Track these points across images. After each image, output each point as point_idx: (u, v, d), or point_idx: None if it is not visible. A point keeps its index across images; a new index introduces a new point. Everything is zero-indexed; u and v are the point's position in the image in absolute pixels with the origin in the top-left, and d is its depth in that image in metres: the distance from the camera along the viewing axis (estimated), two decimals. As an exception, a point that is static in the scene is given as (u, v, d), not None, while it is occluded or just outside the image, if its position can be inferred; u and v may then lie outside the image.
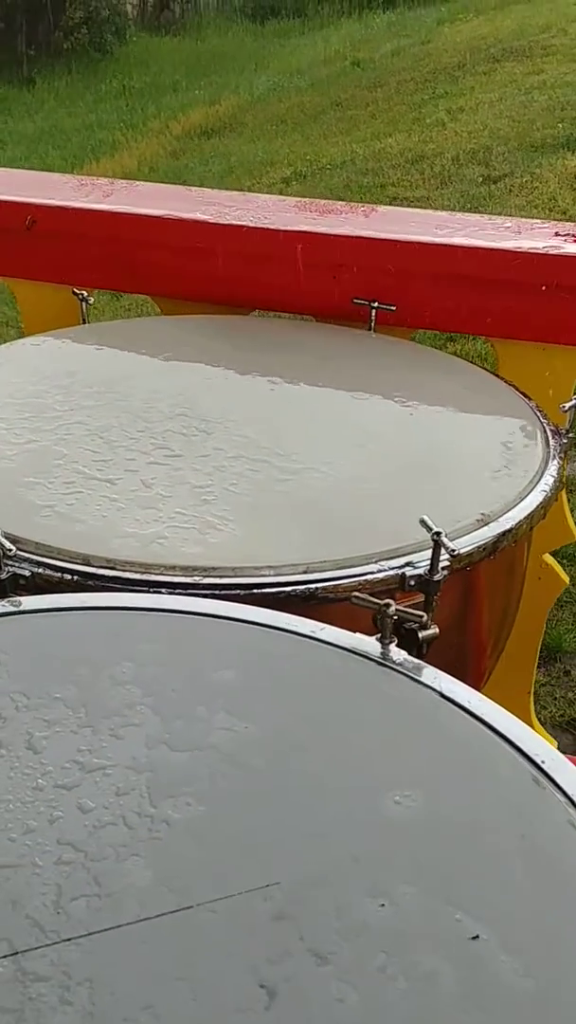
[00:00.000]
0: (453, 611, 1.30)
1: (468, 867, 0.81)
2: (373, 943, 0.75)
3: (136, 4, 18.86)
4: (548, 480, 1.36)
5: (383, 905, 0.77)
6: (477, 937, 0.75)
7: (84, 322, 1.80)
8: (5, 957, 0.74)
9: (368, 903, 0.77)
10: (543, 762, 0.88)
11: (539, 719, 2.33)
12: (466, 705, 0.95)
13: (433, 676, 0.98)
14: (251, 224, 1.82)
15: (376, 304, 1.75)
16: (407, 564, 1.20)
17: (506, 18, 12.42)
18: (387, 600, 1.01)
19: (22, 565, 1.18)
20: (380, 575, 1.19)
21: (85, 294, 1.79)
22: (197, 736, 0.92)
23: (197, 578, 1.17)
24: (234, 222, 1.83)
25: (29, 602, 1.10)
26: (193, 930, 0.76)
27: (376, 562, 1.19)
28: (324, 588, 1.17)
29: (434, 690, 0.97)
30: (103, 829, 0.83)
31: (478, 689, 1.49)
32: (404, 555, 1.20)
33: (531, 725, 2.02)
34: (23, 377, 1.58)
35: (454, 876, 0.80)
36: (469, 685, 1.44)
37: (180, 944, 0.75)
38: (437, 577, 1.18)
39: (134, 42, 17.15)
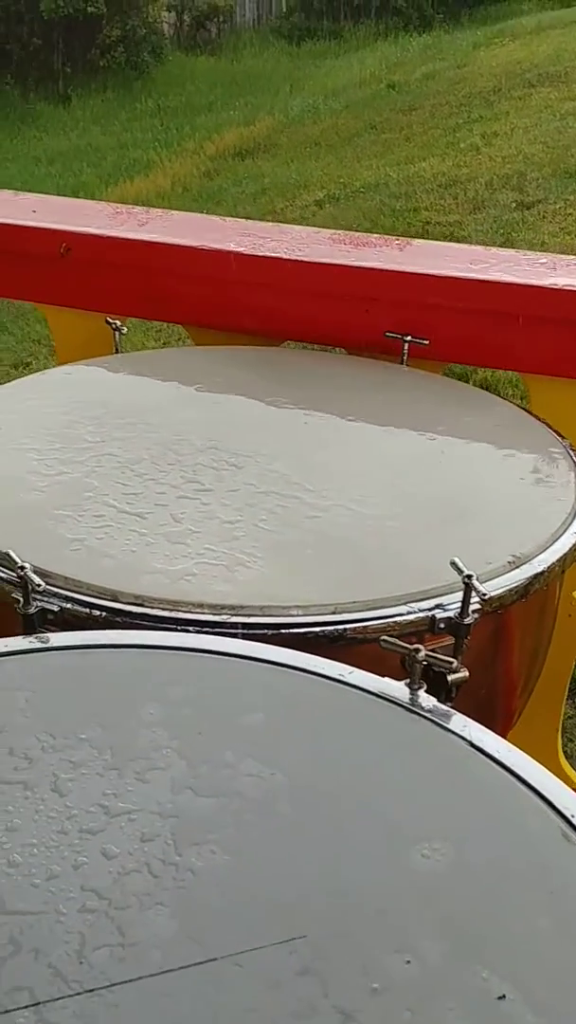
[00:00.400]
0: (483, 652, 1.29)
1: (495, 924, 0.80)
2: (398, 1001, 0.74)
3: (172, 23, 19.00)
4: (581, 521, 1.35)
5: (409, 962, 0.76)
6: (504, 997, 0.74)
7: (117, 351, 1.80)
8: (27, 1007, 0.74)
9: (394, 959, 0.76)
10: (573, 816, 0.87)
11: (565, 752, 2.31)
12: (495, 755, 0.94)
13: (462, 724, 0.97)
14: (285, 256, 1.82)
15: (409, 338, 1.74)
16: (437, 606, 1.19)
17: (542, 43, 12.44)
18: (416, 645, 1.01)
19: (51, 600, 1.18)
20: (410, 617, 1.18)
21: (118, 323, 1.80)
22: (223, 782, 0.91)
23: (225, 616, 1.16)
24: (268, 254, 1.83)
25: (57, 639, 1.10)
26: (217, 983, 0.75)
27: (406, 603, 1.19)
28: (353, 629, 1.16)
29: (463, 738, 0.96)
30: (127, 876, 0.83)
31: (508, 727, 1.50)
32: (434, 597, 1.20)
33: (559, 761, 2.01)
34: (55, 407, 1.58)
35: (481, 933, 0.79)
36: (499, 725, 1.44)
37: (203, 998, 0.74)
38: (468, 620, 1.17)
39: (170, 61, 17.28)
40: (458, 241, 6.35)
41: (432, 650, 1.05)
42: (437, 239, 6.28)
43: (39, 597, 1.17)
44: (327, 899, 0.81)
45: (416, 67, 13.57)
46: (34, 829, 0.87)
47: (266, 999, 0.74)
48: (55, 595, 1.18)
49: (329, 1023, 0.72)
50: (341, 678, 1.03)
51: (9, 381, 1.73)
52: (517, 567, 1.26)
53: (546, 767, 0.94)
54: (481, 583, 1.17)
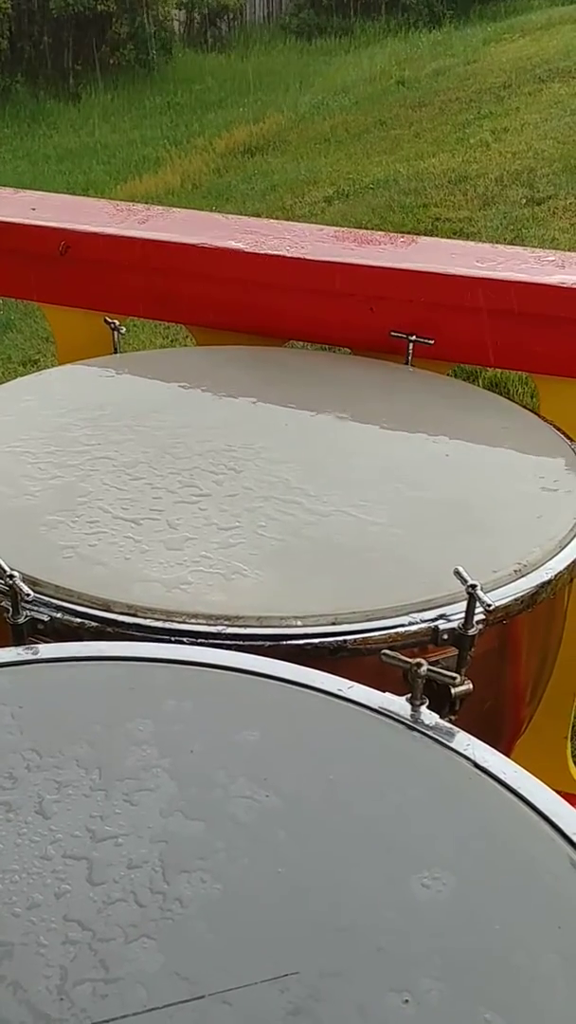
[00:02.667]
0: (488, 663, 1.24)
1: (499, 959, 0.75)
2: (395, 1044, 0.70)
3: (182, 20, 18.98)
4: (590, 528, 1.30)
5: (407, 1001, 0.72)
6: (507, 1039, 0.70)
7: (116, 351, 1.76)
8: (3, 1048, 0.70)
9: (391, 998, 0.72)
10: (581, 842, 0.83)
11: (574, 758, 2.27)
12: (500, 776, 0.89)
13: (466, 743, 0.93)
14: (288, 254, 1.78)
15: (414, 337, 1.70)
16: (440, 617, 1.15)
17: (552, 38, 12.38)
18: (419, 660, 0.96)
19: (41, 610, 1.14)
20: (412, 628, 1.14)
21: (117, 323, 1.76)
22: (215, 804, 0.87)
23: (221, 627, 1.12)
24: (270, 251, 1.79)
25: (46, 650, 1.06)
26: (204, 1023, 0.71)
27: (408, 614, 1.15)
28: (353, 641, 1.12)
29: (467, 758, 0.92)
30: (112, 906, 0.79)
31: (516, 737, 1.45)
32: (437, 607, 1.16)
33: (568, 770, 1.97)
34: (51, 408, 1.55)
35: (484, 969, 0.75)
36: (506, 736, 1.40)
37: (189, 1038, 0.70)
38: (472, 631, 1.13)
39: (180, 58, 17.27)
40: (468, 237, 6.31)
41: (435, 662, 1.01)
42: (446, 235, 6.24)
43: (28, 606, 1.13)
44: (321, 932, 0.77)
45: (426, 63, 13.52)
46: (16, 854, 0.83)
47: (255, 1041, 0.70)
48: (45, 604, 1.15)
49: (322, 1066, 0.68)
50: (340, 693, 0.99)
51: (17, 378, 1.70)
52: (523, 576, 1.22)
53: (555, 776, 0.90)
54: (486, 592, 1.13)
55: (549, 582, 1.22)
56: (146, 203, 2.22)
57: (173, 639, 1.11)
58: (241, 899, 0.80)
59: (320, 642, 1.12)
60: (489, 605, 1.12)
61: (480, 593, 1.11)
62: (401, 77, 13.04)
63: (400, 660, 0.98)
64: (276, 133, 12.07)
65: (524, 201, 7.21)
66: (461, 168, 8.25)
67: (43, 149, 13.29)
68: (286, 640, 1.12)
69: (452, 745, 0.93)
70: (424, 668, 0.96)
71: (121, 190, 10.38)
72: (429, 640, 1.14)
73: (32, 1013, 0.72)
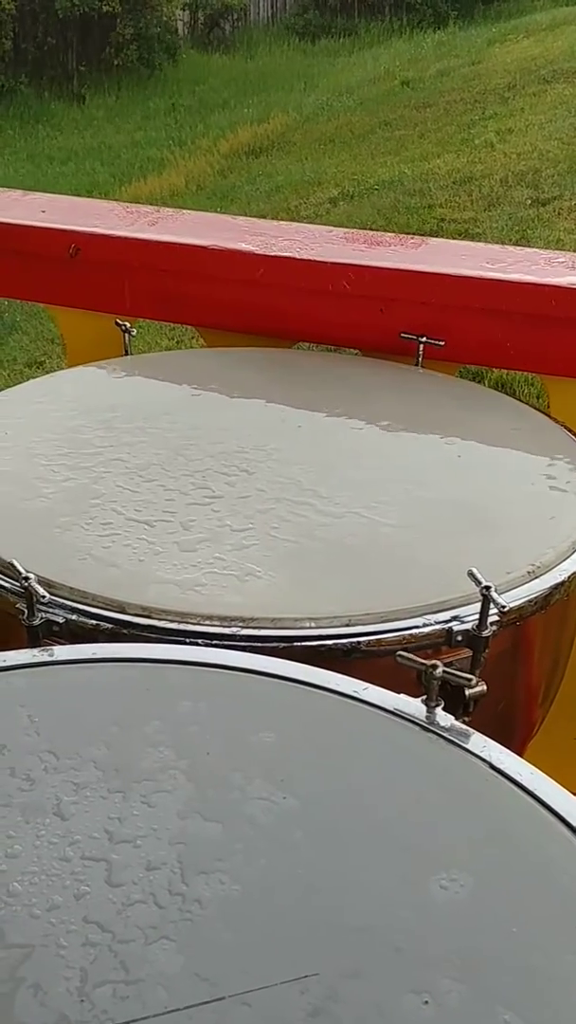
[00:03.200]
0: (502, 665, 1.24)
1: (518, 960, 0.76)
2: (416, 1045, 0.70)
3: (187, 21, 18.99)
4: (602, 529, 1.30)
5: (427, 1002, 0.72)
6: (526, 1040, 0.70)
7: (127, 353, 1.77)
8: (25, 1049, 0.70)
9: (411, 999, 0.72)
10: (598, 843, 0.83)
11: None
12: (516, 778, 0.90)
13: (482, 745, 0.93)
14: (298, 256, 1.78)
15: (424, 339, 1.70)
16: (454, 618, 1.15)
17: (557, 39, 12.37)
18: (434, 661, 0.97)
19: (56, 611, 1.14)
20: (426, 629, 1.14)
21: (128, 325, 1.76)
22: (233, 806, 0.87)
23: (235, 628, 1.13)
24: (280, 253, 1.79)
25: (62, 652, 1.07)
26: (224, 1024, 0.71)
27: (422, 615, 1.15)
28: (367, 643, 1.12)
29: (483, 760, 0.92)
30: (132, 907, 0.79)
31: (528, 739, 1.45)
32: (451, 608, 1.16)
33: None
34: (63, 411, 1.55)
35: (503, 970, 0.75)
36: (519, 737, 1.40)
37: (210, 1039, 0.70)
38: (486, 633, 1.13)
39: (184, 59, 17.27)
40: (473, 238, 6.31)
41: (449, 663, 1.01)
42: (452, 236, 6.24)
43: (44, 608, 1.14)
44: (340, 933, 0.77)
45: (430, 64, 13.52)
46: (35, 856, 0.83)
47: (276, 1041, 0.70)
48: (60, 606, 1.15)
49: (343, 1067, 0.69)
50: (355, 695, 0.99)
51: (23, 380, 1.70)
52: (537, 577, 1.22)
53: (567, 778, 0.90)
54: (500, 594, 1.13)
55: (562, 583, 1.22)
56: (151, 205, 2.23)
57: (187, 640, 1.11)
58: (260, 900, 0.80)
59: (334, 643, 1.12)
60: (504, 606, 1.13)
61: (494, 595, 1.11)
62: (406, 78, 13.05)
63: (416, 662, 0.99)
64: (280, 134, 12.08)
65: (529, 202, 7.22)
66: (466, 169, 8.25)
67: (47, 150, 13.29)
68: (300, 641, 1.12)
69: (468, 746, 0.93)
70: (440, 670, 0.96)
71: (125, 192, 10.38)
72: (443, 642, 1.15)
73: (53, 1015, 0.72)
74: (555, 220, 6.80)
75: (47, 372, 1.74)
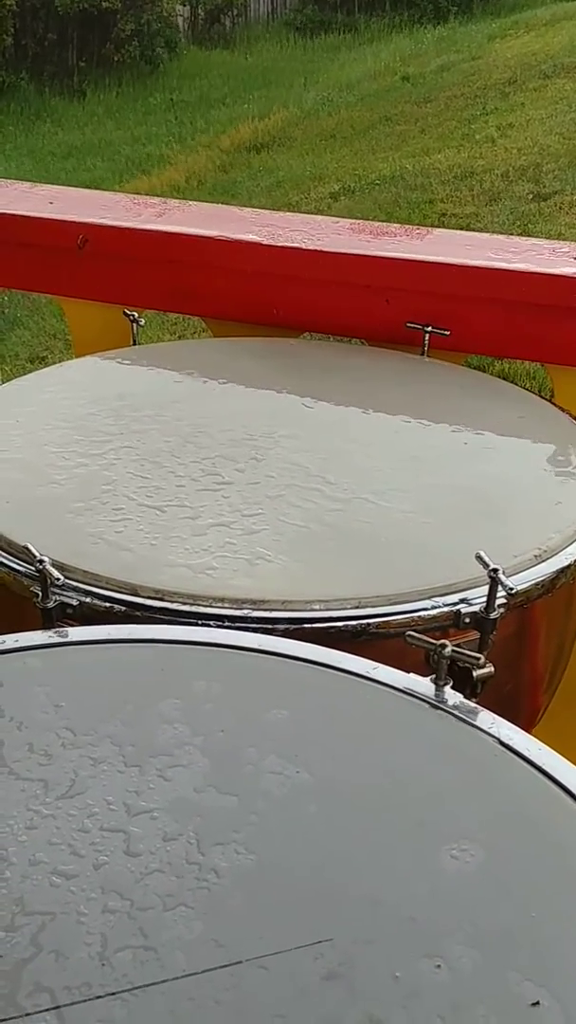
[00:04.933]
0: (508, 648, 1.26)
1: (527, 929, 0.77)
2: (429, 1007, 0.72)
3: (187, 17, 18.98)
4: (607, 513, 1.32)
5: (439, 967, 0.74)
6: (538, 1003, 0.72)
7: (135, 343, 1.78)
8: (48, 1010, 0.72)
9: (424, 964, 0.74)
10: (605, 816, 0.85)
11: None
12: (525, 753, 0.91)
13: (490, 722, 0.95)
14: (304, 246, 1.80)
15: (430, 328, 1.72)
16: (462, 601, 1.17)
17: (557, 34, 12.38)
18: (443, 641, 0.98)
19: (70, 594, 1.16)
20: (434, 612, 1.16)
21: (136, 315, 1.77)
22: (247, 780, 0.89)
23: (247, 611, 1.14)
24: (287, 244, 1.81)
25: (76, 633, 1.09)
26: (242, 987, 0.73)
27: (430, 598, 1.17)
28: (376, 624, 1.14)
29: (492, 736, 0.94)
30: (150, 876, 0.81)
31: (533, 724, 1.47)
32: (459, 591, 1.17)
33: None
34: (74, 399, 1.57)
35: (513, 937, 0.77)
36: (524, 721, 1.42)
37: (228, 1002, 0.72)
38: (494, 615, 1.15)
39: (184, 55, 17.26)
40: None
41: (457, 645, 1.03)
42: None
43: (58, 591, 1.15)
44: (353, 901, 0.79)
45: (431, 59, 13.52)
46: (54, 827, 0.85)
47: (293, 1005, 0.72)
48: (74, 589, 1.17)
49: (358, 1029, 0.70)
50: (366, 674, 1.01)
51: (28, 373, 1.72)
52: (543, 560, 1.23)
53: (572, 762, 0.92)
54: (507, 577, 1.15)
55: (568, 567, 1.24)
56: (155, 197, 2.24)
57: (199, 623, 1.13)
58: (275, 870, 0.82)
59: (343, 625, 1.14)
60: (512, 589, 1.14)
61: (502, 577, 1.13)
62: (406, 73, 13.05)
63: (425, 641, 1.00)
64: (281, 129, 12.08)
65: (530, 197, 7.23)
66: (467, 164, 8.26)
67: (48, 146, 13.29)
68: (310, 623, 1.14)
69: (477, 723, 0.95)
70: (449, 649, 0.98)
71: (125, 188, 10.38)
72: (451, 624, 1.16)
73: (75, 979, 0.74)
74: (556, 215, 6.81)
75: (62, 362, 1.76)
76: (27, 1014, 0.71)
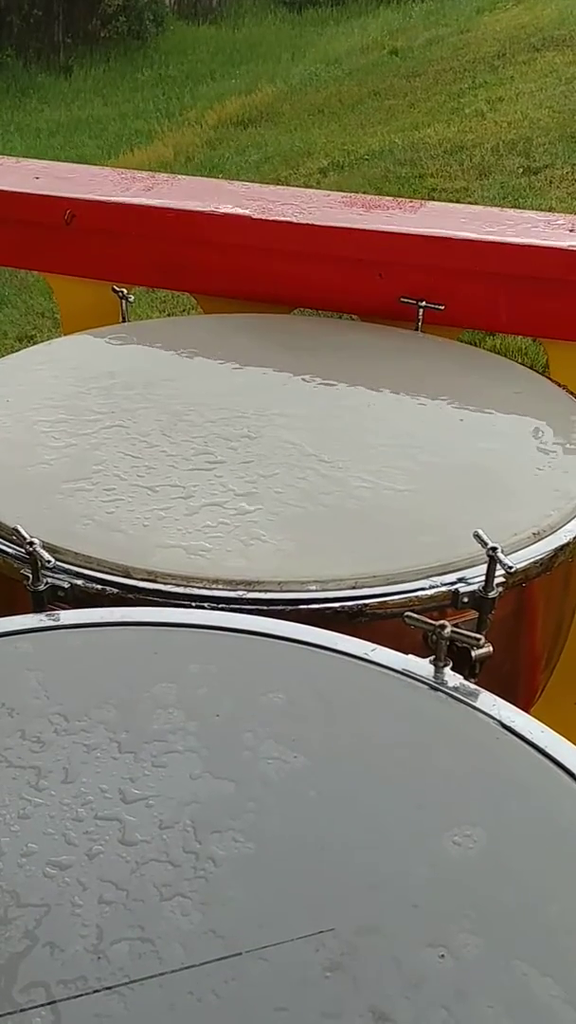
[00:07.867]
0: (506, 627, 1.25)
1: (531, 915, 0.76)
2: (433, 998, 0.70)
3: (173, -8, 18.79)
4: (605, 490, 1.30)
5: (443, 956, 0.72)
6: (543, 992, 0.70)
7: (124, 320, 1.76)
8: (43, 1006, 0.70)
9: (427, 953, 0.73)
10: (610, 799, 0.83)
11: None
12: (526, 735, 0.90)
13: (491, 703, 0.93)
14: (295, 220, 1.77)
15: (424, 303, 1.69)
16: (460, 580, 1.15)
17: (547, 7, 12.28)
18: (442, 622, 0.97)
19: (60, 576, 1.14)
20: (431, 591, 1.14)
21: (125, 291, 1.75)
22: (244, 766, 0.87)
23: (241, 592, 1.12)
24: (278, 218, 1.78)
25: (68, 616, 1.06)
26: (242, 980, 0.71)
27: (428, 577, 1.15)
28: (373, 605, 1.12)
29: (492, 718, 0.92)
30: (146, 866, 0.79)
31: (531, 704, 1.46)
32: (456, 570, 1.16)
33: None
34: (63, 377, 1.54)
35: (517, 924, 0.75)
36: (522, 701, 1.40)
37: (228, 995, 0.70)
38: (492, 594, 1.13)
39: (171, 31, 17.10)
40: (465, 208, 6.27)
41: (456, 625, 1.01)
42: (444, 206, 6.20)
43: (49, 573, 1.13)
44: (355, 890, 0.77)
45: (419, 33, 13.41)
46: (47, 816, 0.83)
47: (295, 997, 0.70)
48: (65, 571, 1.15)
49: (362, 1022, 0.69)
50: (364, 656, 0.99)
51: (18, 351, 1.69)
52: (542, 539, 1.22)
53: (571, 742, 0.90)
54: (505, 556, 1.13)
55: (567, 545, 1.22)
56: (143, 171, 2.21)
57: (193, 604, 1.11)
58: (274, 858, 0.80)
59: (340, 606, 1.12)
60: (510, 567, 1.13)
61: (501, 555, 1.11)
62: (394, 47, 12.93)
63: (424, 622, 0.99)
64: (268, 105, 11.98)
65: (520, 171, 7.19)
66: (456, 138, 8.21)
67: (34, 123, 13.17)
68: (306, 604, 1.12)
69: (477, 705, 0.94)
70: (448, 630, 0.96)
71: (113, 164, 10.30)
72: (448, 604, 1.14)
73: (70, 972, 0.72)
74: (547, 189, 6.77)
75: (50, 340, 1.73)
76: (22, 1010, 0.70)
